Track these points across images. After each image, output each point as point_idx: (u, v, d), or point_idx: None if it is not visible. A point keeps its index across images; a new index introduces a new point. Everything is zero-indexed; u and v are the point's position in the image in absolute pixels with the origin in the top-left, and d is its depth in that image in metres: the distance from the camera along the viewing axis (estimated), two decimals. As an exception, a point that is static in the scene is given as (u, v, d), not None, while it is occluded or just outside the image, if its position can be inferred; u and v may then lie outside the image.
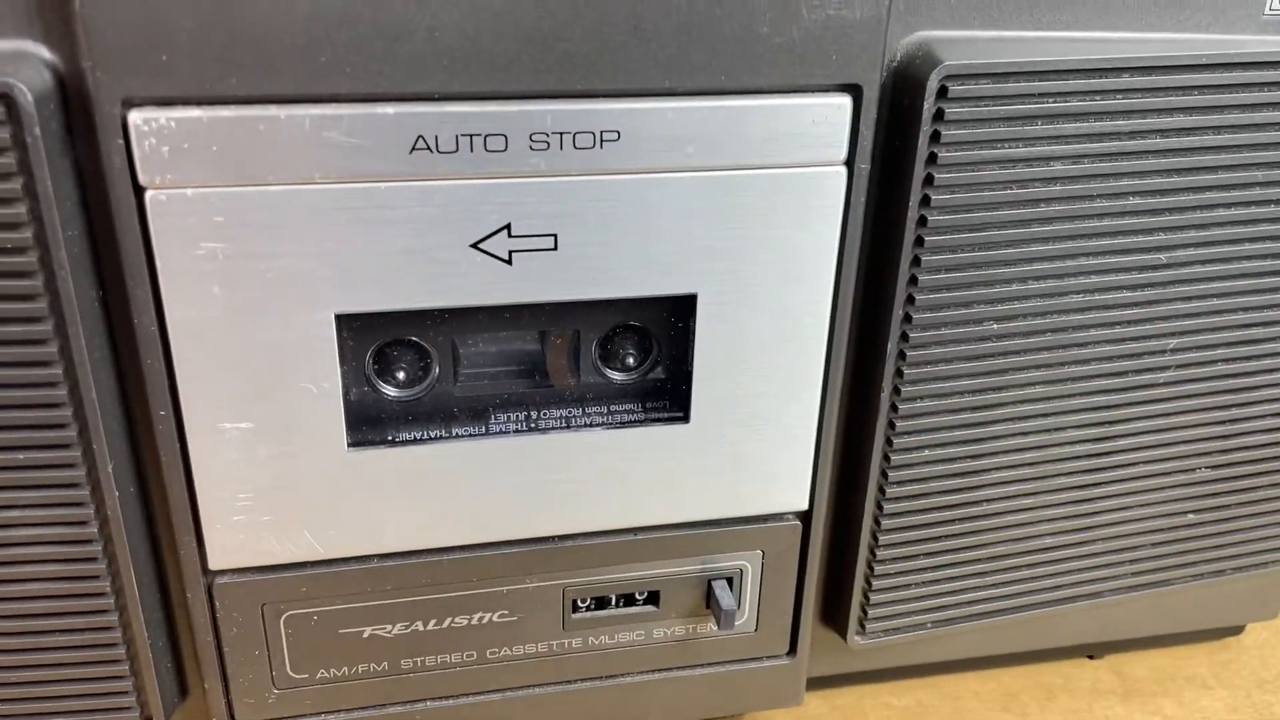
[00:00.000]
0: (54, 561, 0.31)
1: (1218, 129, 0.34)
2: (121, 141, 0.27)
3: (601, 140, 0.29)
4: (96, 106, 0.27)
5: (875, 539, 0.38)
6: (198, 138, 0.27)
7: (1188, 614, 0.46)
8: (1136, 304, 0.36)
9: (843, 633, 0.40)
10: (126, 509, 0.31)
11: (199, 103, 0.27)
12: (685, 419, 0.34)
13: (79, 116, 0.27)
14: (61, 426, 0.30)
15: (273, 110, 0.27)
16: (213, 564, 0.33)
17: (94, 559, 0.32)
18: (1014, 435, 0.37)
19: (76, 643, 0.33)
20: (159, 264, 0.28)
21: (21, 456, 0.30)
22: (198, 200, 0.28)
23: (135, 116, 0.27)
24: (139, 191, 0.28)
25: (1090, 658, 0.47)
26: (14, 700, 0.34)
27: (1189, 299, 0.36)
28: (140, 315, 0.29)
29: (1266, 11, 0.34)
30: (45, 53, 0.27)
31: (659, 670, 0.39)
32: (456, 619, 0.36)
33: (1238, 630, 0.48)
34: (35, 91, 0.26)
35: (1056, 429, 0.38)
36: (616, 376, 0.34)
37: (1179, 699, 0.45)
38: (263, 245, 0.29)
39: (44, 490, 0.30)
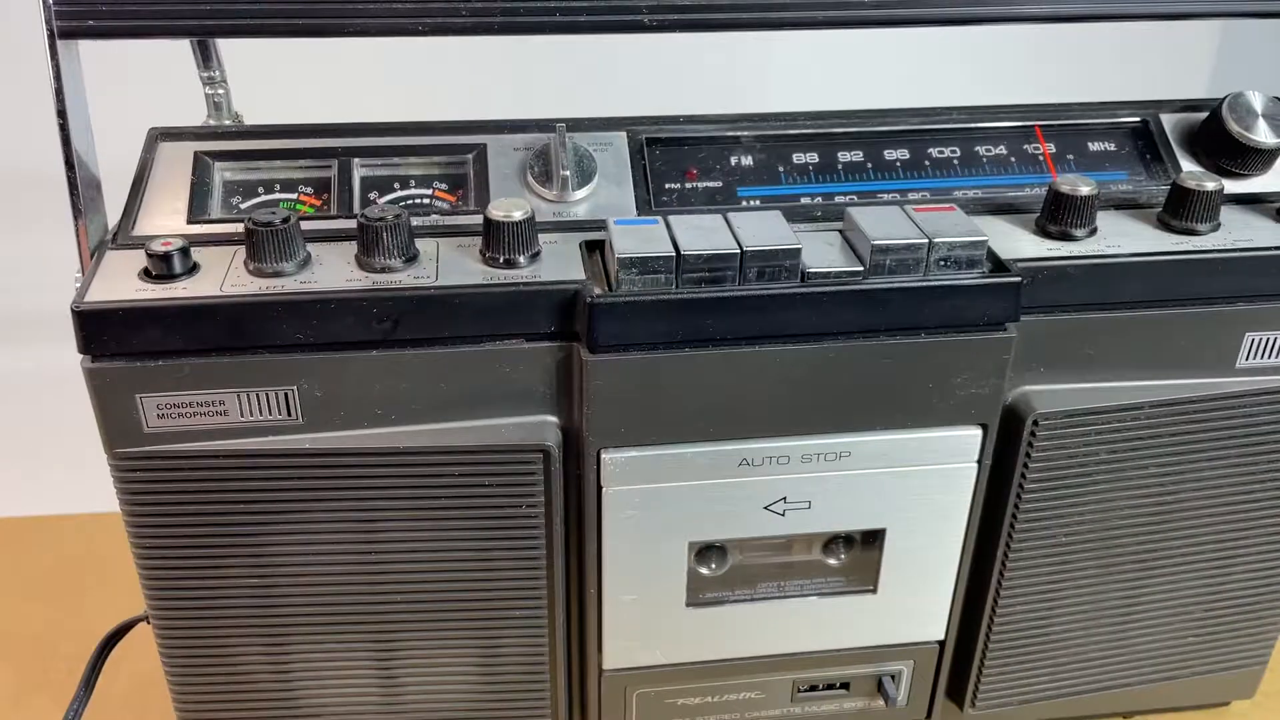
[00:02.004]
0: (523, 660, 0.57)
1: (1205, 433, 0.56)
2: (595, 467, 0.52)
3: (840, 456, 0.53)
4: (585, 452, 0.51)
5: (984, 653, 0.61)
6: (633, 464, 0.52)
7: (1192, 693, 0.68)
8: (1154, 525, 0.58)
9: (960, 706, 0.64)
10: (562, 634, 0.57)
11: (634, 446, 0.51)
12: (875, 590, 0.58)
13: (570, 450, 0.52)
14: (539, 597, 0.55)
15: (670, 450, 0.52)
16: (605, 666, 0.58)
17: (542, 660, 0.57)
18: (1075, 594, 0.60)
19: (524, 695, 0.59)
20: (604, 522, 0.53)
21: (517, 614, 0.55)
22: (629, 492, 0.52)
23: (605, 456, 0.51)
24: (599, 489, 0.52)
25: (1124, 717, 0.70)
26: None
27: (1187, 524, 0.59)
28: (588, 545, 0.54)
29: (1238, 365, 0.55)
30: (555, 419, 0.52)
31: (846, 726, 0.63)
32: (730, 695, 0.61)
33: (1227, 703, 0.70)
34: (555, 445, 0.51)
35: (1103, 587, 0.61)
36: (833, 563, 0.58)
37: (1183, 751, 0.68)
38: (656, 509, 0.53)
39: (523, 626, 0.56)
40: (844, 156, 0.58)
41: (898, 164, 0.58)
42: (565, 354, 0.50)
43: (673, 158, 0.57)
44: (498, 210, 0.49)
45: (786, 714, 0.62)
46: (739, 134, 0.58)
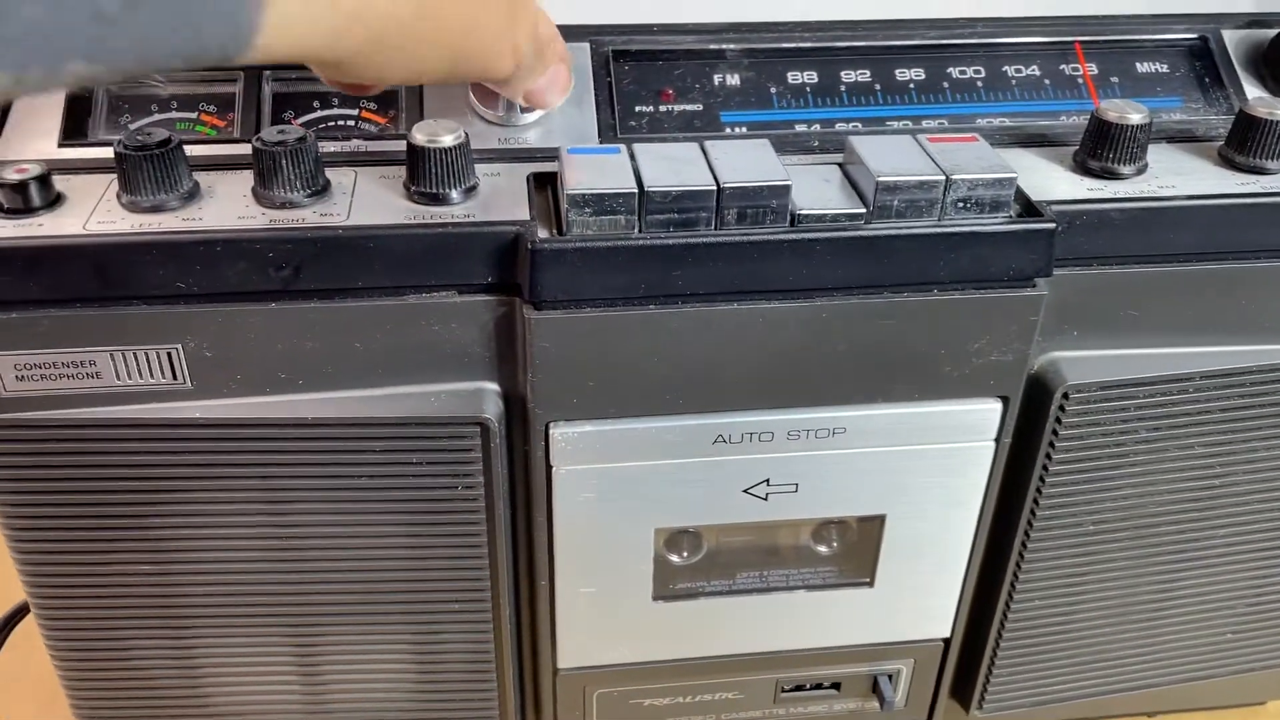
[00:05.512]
0: (466, 657, 0.50)
1: (1262, 409, 0.48)
2: (544, 443, 0.44)
3: (833, 432, 0.45)
4: (532, 426, 0.43)
5: (994, 654, 0.54)
6: (588, 440, 0.44)
7: (1226, 692, 0.61)
8: (1197, 512, 0.51)
9: (966, 708, 0.57)
10: (511, 630, 0.49)
11: (589, 419, 0.43)
12: (870, 584, 0.50)
13: (515, 422, 0.44)
14: (481, 589, 0.47)
15: (632, 424, 0.44)
16: (560, 665, 0.51)
17: (488, 659, 0.50)
18: (1101, 588, 0.53)
19: (469, 696, 0.51)
20: (555, 505, 0.45)
21: (457, 607, 0.48)
22: (584, 472, 0.45)
23: (554, 430, 0.43)
24: (549, 468, 0.44)
25: (1149, 716, 0.63)
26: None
27: (1234, 510, 0.51)
28: (538, 532, 0.46)
29: (1298, 330, 0.47)
30: (496, 388, 0.43)
31: (836, 729, 0.56)
32: (704, 695, 0.53)
33: (1263, 703, 0.63)
34: (495, 417, 0.43)
35: (1133, 584, 0.53)
36: (824, 551, 0.51)
37: (1212, 754, 0.61)
38: (617, 492, 0.45)
39: (468, 620, 0.48)
40: (848, 76, 0.50)
41: (911, 85, 0.50)
42: (506, 310, 0.42)
43: (645, 75, 0.48)
44: (422, 134, 0.41)
45: (768, 715, 0.55)
46: (724, 47, 0.49)
